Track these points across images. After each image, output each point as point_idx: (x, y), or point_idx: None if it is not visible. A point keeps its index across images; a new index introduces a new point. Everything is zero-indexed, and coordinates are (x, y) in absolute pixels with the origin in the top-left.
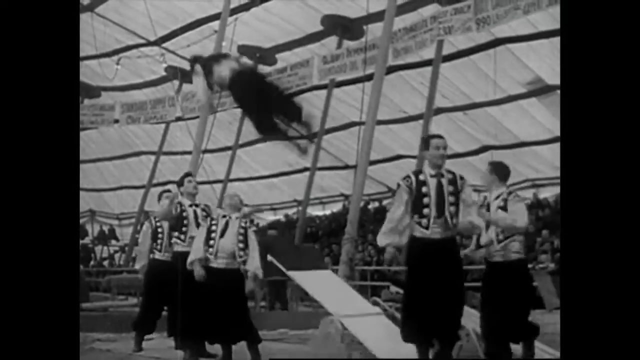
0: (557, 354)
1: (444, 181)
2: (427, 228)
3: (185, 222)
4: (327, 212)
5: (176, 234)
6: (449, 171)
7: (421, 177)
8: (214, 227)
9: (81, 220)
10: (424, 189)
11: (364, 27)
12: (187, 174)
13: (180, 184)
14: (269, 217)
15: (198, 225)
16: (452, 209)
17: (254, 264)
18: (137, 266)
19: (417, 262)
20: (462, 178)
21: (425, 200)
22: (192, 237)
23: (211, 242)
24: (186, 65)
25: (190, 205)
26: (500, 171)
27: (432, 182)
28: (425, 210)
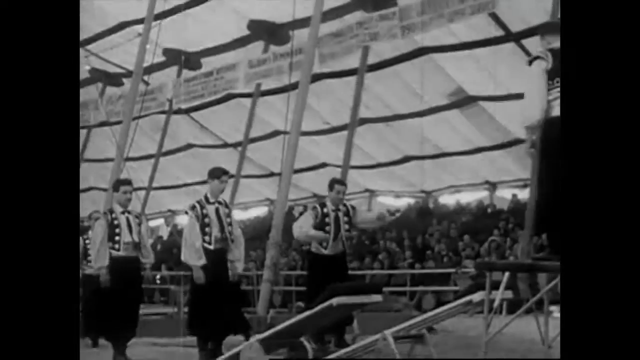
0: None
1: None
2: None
3: (117, 230)
4: (251, 216)
5: (109, 243)
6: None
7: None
8: (206, 220)
9: None
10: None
11: (290, 32)
12: (124, 182)
13: (115, 189)
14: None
15: (131, 231)
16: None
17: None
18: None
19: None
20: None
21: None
22: (127, 243)
23: (206, 229)
24: (110, 68)
25: (123, 212)
26: (548, 28)
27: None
28: None
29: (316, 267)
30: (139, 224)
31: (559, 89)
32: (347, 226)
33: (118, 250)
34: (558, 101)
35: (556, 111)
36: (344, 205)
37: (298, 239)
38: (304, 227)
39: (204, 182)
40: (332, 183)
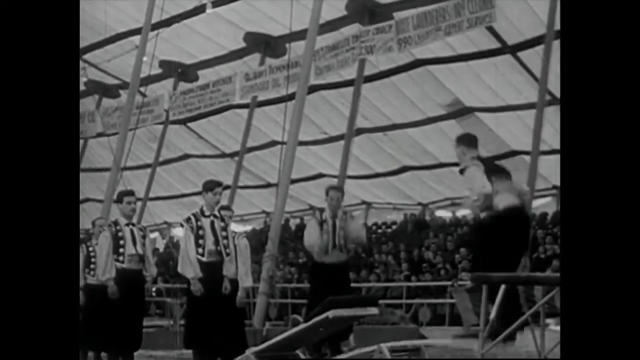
0: None
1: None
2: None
3: (121, 242)
4: (247, 228)
5: (114, 255)
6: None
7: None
8: (200, 232)
9: None
10: None
11: (287, 45)
12: (127, 192)
13: (118, 201)
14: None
15: (135, 244)
16: None
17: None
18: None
19: None
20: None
21: None
22: (131, 256)
23: (200, 241)
24: (107, 79)
25: (127, 225)
26: (465, 141)
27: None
28: None
29: (317, 276)
30: (143, 237)
31: (498, 184)
32: (342, 232)
33: (122, 262)
34: (501, 195)
35: (501, 205)
36: (344, 213)
37: (306, 247)
38: (312, 234)
39: (200, 193)
40: (327, 190)
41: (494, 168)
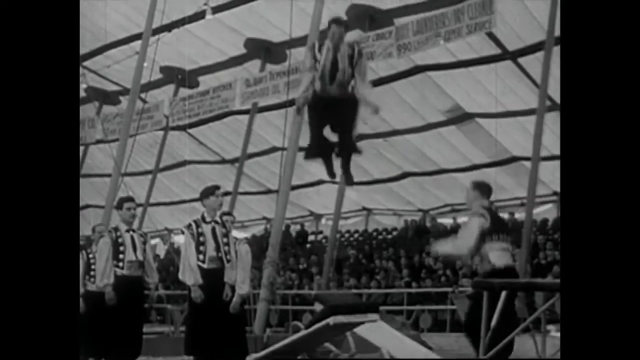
0: None
1: None
2: None
3: (122, 248)
4: (248, 234)
5: (114, 261)
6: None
7: None
8: (201, 239)
9: None
10: None
11: (287, 51)
12: (127, 199)
13: (118, 207)
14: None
15: (135, 250)
16: None
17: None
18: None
19: None
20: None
21: None
22: (131, 262)
23: (201, 247)
24: (107, 86)
25: (127, 231)
26: (481, 188)
27: None
28: None
29: (314, 109)
30: (144, 243)
31: (499, 242)
32: (350, 69)
33: (122, 268)
34: (499, 252)
35: (499, 263)
36: (350, 47)
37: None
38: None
39: (200, 199)
40: (329, 24)
41: (496, 223)
